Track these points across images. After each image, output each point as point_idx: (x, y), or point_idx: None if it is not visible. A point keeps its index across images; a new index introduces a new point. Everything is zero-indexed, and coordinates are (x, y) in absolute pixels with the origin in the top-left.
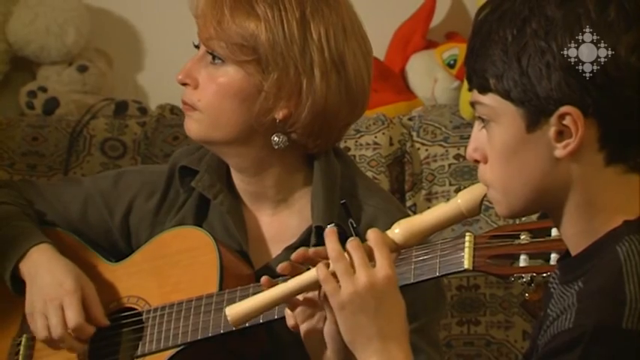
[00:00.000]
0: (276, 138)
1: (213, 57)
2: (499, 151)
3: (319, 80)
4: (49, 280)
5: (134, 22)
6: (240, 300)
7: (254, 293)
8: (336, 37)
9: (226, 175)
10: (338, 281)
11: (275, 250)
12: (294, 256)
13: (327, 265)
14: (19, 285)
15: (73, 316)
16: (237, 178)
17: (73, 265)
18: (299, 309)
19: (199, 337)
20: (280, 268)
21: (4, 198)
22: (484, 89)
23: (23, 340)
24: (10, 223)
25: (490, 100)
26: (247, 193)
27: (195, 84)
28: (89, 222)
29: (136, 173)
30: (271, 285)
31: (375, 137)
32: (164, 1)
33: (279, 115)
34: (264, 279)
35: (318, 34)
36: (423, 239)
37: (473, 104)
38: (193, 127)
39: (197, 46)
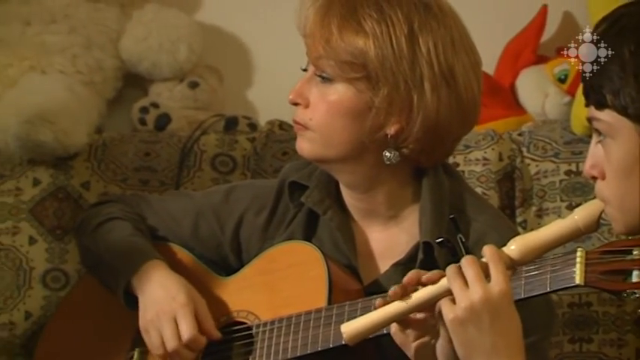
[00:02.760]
0: (387, 153)
1: (323, 76)
2: (616, 168)
3: (430, 94)
4: (162, 295)
5: (245, 38)
6: (348, 315)
7: (363, 308)
8: (445, 50)
9: (336, 191)
10: (453, 297)
11: (383, 266)
12: (406, 279)
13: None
14: (131, 300)
15: (187, 329)
16: (348, 195)
17: (185, 281)
18: (411, 327)
19: (308, 352)
20: (392, 293)
21: (118, 213)
22: (601, 105)
23: (136, 353)
24: (124, 238)
25: (607, 116)
26: (357, 209)
27: (307, 103)
28: (200, 237)
29: (246, 188)
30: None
31: (485, 153)
32: (274, 17)
33: (391, 130)
34: (378, 302)
35: (427, 47)
36: (539, 255)
37: (590, 120)
38: (306, 146)
39: (305, 70)
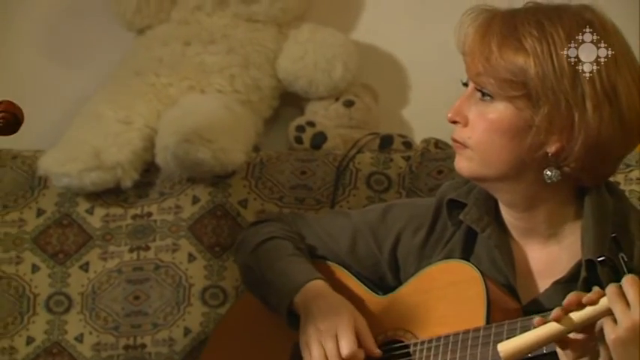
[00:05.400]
0: (548, 172)
1: (483, 94)
2: None
3: (591, 112)
4: (324, 312)
5: (400, 57)
6: (507, 334)
7: (522, 327)
8: (608, 67)
9: (494, 209)
10: (614, 317)
11: (543, 285)
12: (566, 301)
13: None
14: (292, 319)
15: (347, 345)
16: (507, 213)
17: (346, 300)
18: (570, 347)
19: None
20: (554, 317)
21: (278, 232)
22: None
23: None
24: (285, 257)
25: None
26: (516, 227)
27: (465, 122)
28: (358, 255)
29: (403, 207)
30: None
31: None
32: (429, 35)
33: (552, 149)
34: (537, 320)
35: None
36: None
37: None
38: (464, 164)
39: (465, 84)
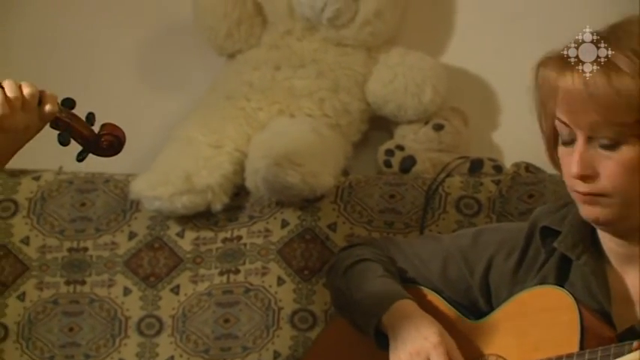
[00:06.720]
0: None
1: (605, 143)
2: None
3: None
4: (414, 334)
5: (490, 80)
6: None
7: (615, 354)
8: None
9: (591, 234)
10: None
11: None
12: None
13: None
14: (381, 339)
15: None
16: (610, 240)
17: (435, 321)
18: None
19: None
20: None
21: (368, 255)
22: None
23: None
24: (375, 279)
25: None
26: (617, 254)
27: (596, 174)
28: (449, 280)
29: (494, 231)
30: None
31: None
32: (519, 58)
33: None
34: (636, 344)
35: None
36: None
37: None
38: (603, 212)
39: (568, 143)
